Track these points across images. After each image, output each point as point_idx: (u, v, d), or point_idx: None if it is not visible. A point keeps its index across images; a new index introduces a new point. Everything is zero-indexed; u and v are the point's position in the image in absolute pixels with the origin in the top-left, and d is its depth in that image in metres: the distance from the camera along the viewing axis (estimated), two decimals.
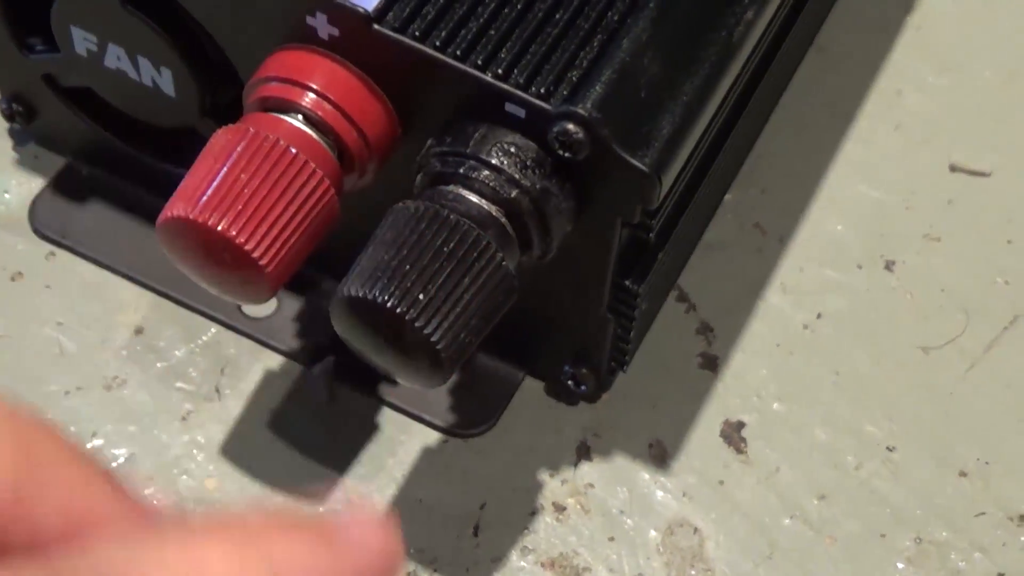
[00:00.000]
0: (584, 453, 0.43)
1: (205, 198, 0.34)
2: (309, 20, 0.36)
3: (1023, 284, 0.47)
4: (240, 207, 0.34)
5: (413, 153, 0.36)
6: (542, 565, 0.41)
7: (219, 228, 0.34)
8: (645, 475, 0.43)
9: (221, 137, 0.36)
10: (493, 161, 0.35)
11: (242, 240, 0.34)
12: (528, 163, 0.35)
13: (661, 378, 0.45)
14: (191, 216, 0.34)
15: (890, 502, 0.43)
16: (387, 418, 0.43)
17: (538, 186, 0.35)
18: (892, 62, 0.52)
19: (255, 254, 0.34)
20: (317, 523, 0.24)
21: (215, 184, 0.35)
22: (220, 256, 0.35)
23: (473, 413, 0.43)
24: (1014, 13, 0.53)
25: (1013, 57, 0.52)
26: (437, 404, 0.43)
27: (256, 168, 0.35)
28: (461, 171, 0.35)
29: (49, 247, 0.46)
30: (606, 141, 0.34)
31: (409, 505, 0.42)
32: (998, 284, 0.47)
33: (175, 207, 0.35)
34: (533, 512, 0.42)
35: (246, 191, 0.35)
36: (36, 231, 0.46)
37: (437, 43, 0.35)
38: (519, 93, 0.34)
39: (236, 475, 0.42)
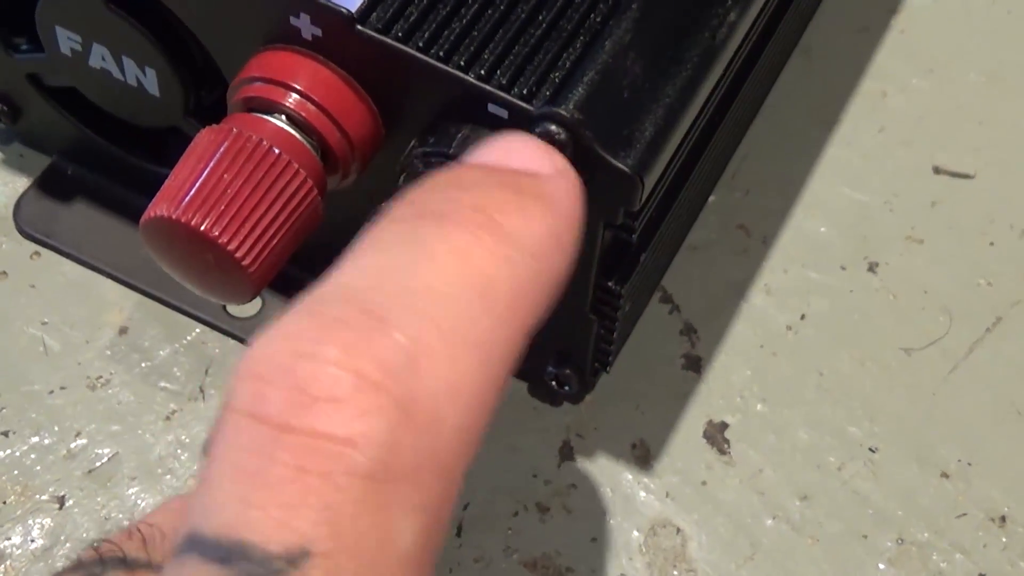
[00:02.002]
0: (567, 453, 0.43)
1: (188, 198, 0.34)
2: (292, 21, 0.36)
3: (1006, 286, 0.47)
4: (223, 207, 0.34)
5: (396, 153, 0.37)
6: (525, 565, 0.41)
7: (202, 228, 0.34)
8: (628, 476, 0.43)
9: (205, 137, 0.36)
10: None
11: (225, 240, 0.34)
12: None
13: (644, 379, 0.45)
14: (174, 216, 0.34)
15: (872, 503, 0.43)
16: None
17: None
18: (876, 64, 0.52)
19: (238, 254, 0.34)
20: (523, 184, 0.26)
21: (198, 184, 0.35)
22: (203, 256, 0.35)
23: None
24: (996, 15, 0.54)
25: (996, 60, 0.52)
26: None
27: (239, 168, 0.35)
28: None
29: (34, 246, 0.46)
30: (588, 142, 0.34)
31: None
32: (981, 286, 0.47)
33: (158, 207, 0.35)
34: (516, 512, 0.42)
35: (229, 191, 0.35)
36: (21, 230, 0.46)
37: (420, 44, 0.35)
38: (501, 94, 0.34)
39: None
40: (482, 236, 0.25)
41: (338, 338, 0.22)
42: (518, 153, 0.27)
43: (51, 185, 0.47)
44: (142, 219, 0.35)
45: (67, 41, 0.41)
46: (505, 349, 0.24)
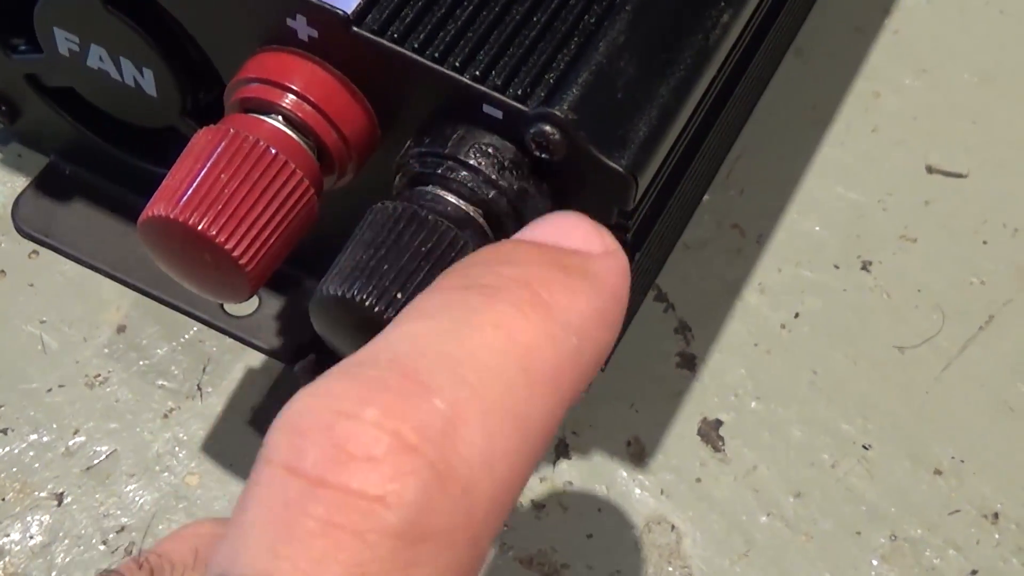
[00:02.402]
0: (563, 451, 0.44)
1: (186, 197, 0.35)
2: (289, 22, 0.36)
3: (998, 284, 0.48)
4: (220, 206, 0.35)
5: (392, 154, 0.37)
6: (521, 562, 0.42)
7: (199, 227, 0.34)
8: (623, 473, 0.43)
9: (202, 137, 0.36)
10: (471, 162, 0.35)
11: (222, 239, 0.34)
12: (506, 164, 0.35)
13: (639, 377, 0.45)
14: (172, 215, 0.34)
15: (865, 500, 0.43)
16: None
17: (515, 187, 0.35)
18: (869, 65, 0.52)
19: (235, 253, 0.35)
20: (571, 262, 0.27)
21: (196, 183, 0.35)
22: (200, 255, 0.35)
23: None
24: (989, 16, 0.54)
25: (989, 60, 0.53)
26: None
27: (236, 168, 0.35)
28: (439, 172, 0.35)
29: (32, 245, 0.46)
30: (583, 142, 0.34)
31: None
32: (974, 284, 0.48)
33: (156, 206, 0.35)
34: (512, 509, 0.42)
35: (226, 191, 0.35)
36: (19, 229, 0.47)
37: (416, 45, 0.35)
38: (496, 95, 0.35)
39: (217, 472, 0.42)
40: (527, 311, 0.25)
41: (378, 399, 0.23)
42: (570, 231, 0.28)
43: (49, 184, 0.48)
44: (140, 218, 0.35)
45: (65, 42, 0.41)
46: (543, 423, 0.24)
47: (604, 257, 0.28)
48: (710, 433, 0.44)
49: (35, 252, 0.46)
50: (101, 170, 0.47)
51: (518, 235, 0.28)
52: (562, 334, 0.25)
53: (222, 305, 0.45)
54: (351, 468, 0.22)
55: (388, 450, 0.22)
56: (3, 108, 0.47)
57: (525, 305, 0.25)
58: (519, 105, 0.35)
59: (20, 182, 0.48)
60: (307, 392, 0.23)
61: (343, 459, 0.22)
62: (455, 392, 0.23)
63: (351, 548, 0.22)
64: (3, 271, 0.46)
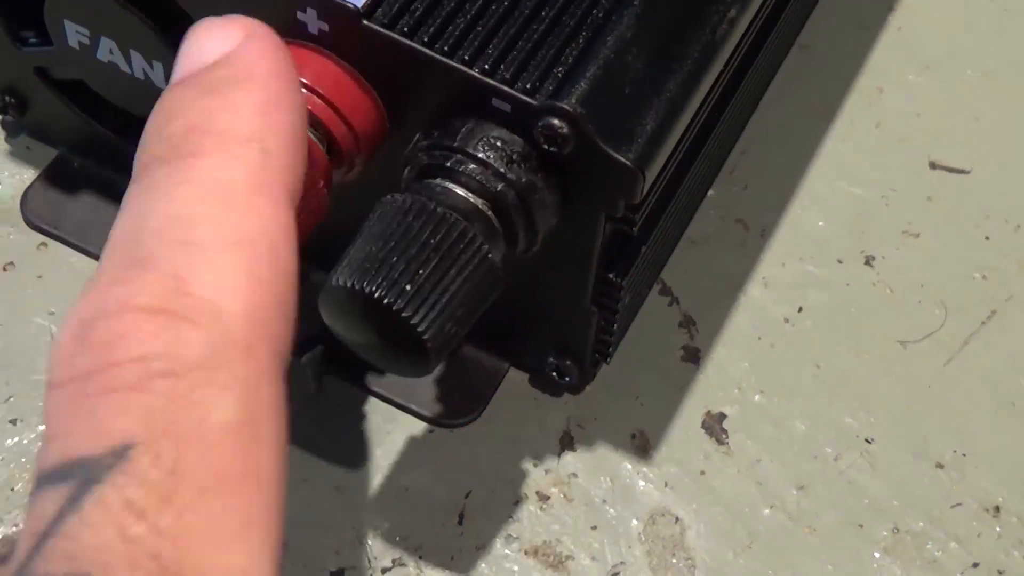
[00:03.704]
0: (567, 443, 0.44)
1: None
2: (299, 15, 0.36)
3: (1001, 279, 0.48)
4: None
5: (401, 147, 0.37)
6: (525, 553, 0.42)
7: None
8: (628, 465, 0.44)
9: None
10: (479, 155, 0.35)
11: None
12: (514, 157, 0.35)
13: (644, 370, 0.45)
14: None
15: (868, 493, 0.43)
16: (374, 408, 0.44)
17: (523, 180, 0.35)
18: (873, 61, 0.53)
19: None
20: (216, 78, 0.29)
21: None
22: None
23: (459, 404, 0.44)
24: (993, 13, 0.54)
25: (993, 57, 0.53)
26: (424, 394, 0.44)
27: None
28: (448, 165, 0.36)
29: (40, 237, 0.47)
30: (590, 136, 0.35)
31: (395, 493, 0.42)
32: (976, 279, 0.48)
33: None
34: (517, 501, 0.43)
35: None
36: (28, 221, 0.47)
37: (425, 39, 0.35)
38: (505, 88, 0.35)
39: None
40: (200, 152, 0.27)
41: (113, 294, 0.25)
42: (205, 46, 0.30)
43: (58, 177, 0.48)
44: None
45: (75, 34, 0.42)
46: (267, 231, 0.27)
47: (244, 46, 0.29)
48: (714, 426, 0.44)
49: (44, 244, 0.47)
50: (110, 162, 0.47)
51: (171, 77, 0.30)
52: (241, 148, 0.27)
53: None
54: (111, 349, 0.25)
55: (136, 323, 0.25)
56: (12, 101, 0.47)
57: (198, 148, 0.27)
58: (528, 99, 0.35)
59: (29, 174, 0.48)
60: (60, 329, 0.26)
61: (103, 349, 0.25)
62: (170, 253, 0.26)
63: (132, 398, 0.24)
64: (12, 263, 0.46)
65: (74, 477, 0.24)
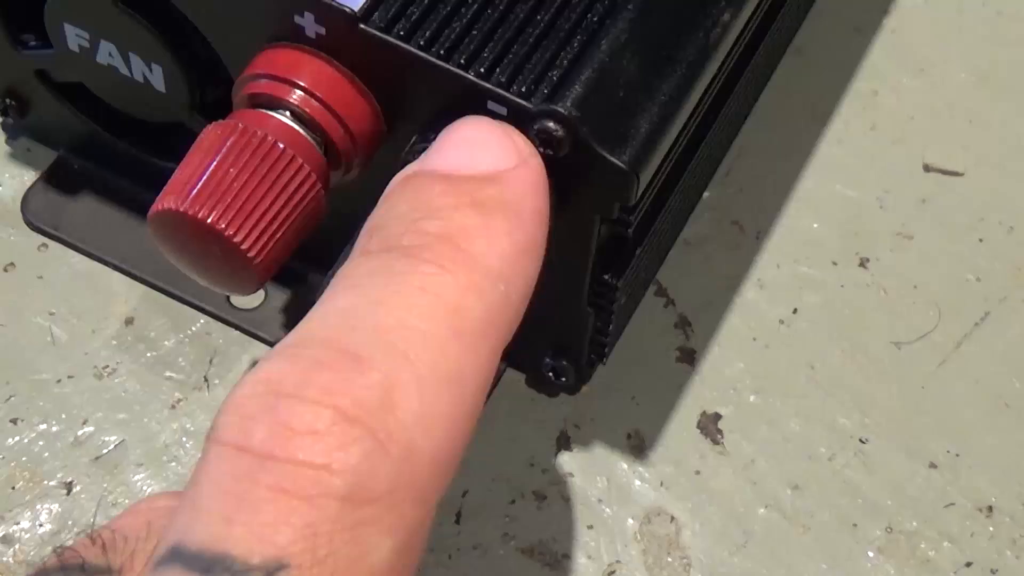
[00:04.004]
0: (564, 443, 0.44)
1: (195, 191, 0.35)
2: (297, 19, 0.37)
3: (994, 281, 0.48)
4: (229, 200, 0.35)
5: (397, 149, 0.37)
6: (522, 552, 0.42)
7: (208, 220, 0.35)
8: (623, 465, 0.44)
9: (211, 132, 0.36)
10: None
11: (231, 232, 0.35)
12: None
13: (640, 371, 0.46)
14: (181, 208, 0.35)
15: (862, 493, 0.44)
16: None
17: None
18: (868, 64, 0.53)
19: (244, 245, 0.35)
20: (486, 196, 0.28)
21: (205, 177, 0.35)
22: (210, 248, 0.36)
23: None
24: (987, 17, 0.55)
25: (986, 60, 0.53)
26: None
27: (245, 163, 0.36)
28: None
29: (41, 238, 0.47)
30: (585, 139, 0.35)
31: None
32: (970, 281, 0.48)
33: (166, 200, 0.35)
34: (514, 500, 0.43)
35: (235, 185, 0.35)
36: (28, 223, 0.47)
37: (421, 42, 0.36)
38: (501, 92, 0.35)
39: None
40: (451, 268, 0.26)
41: (317, 379, 0.24)
42: (480, 150, 0.29)
43: (58, 178, 0.48)
44: (150, 211, 0.36)
45: (75, 38, 0.42)
46: (478, 375, 0.26)
47: (518, 173, 0.28)
48: (709, 426, 0.45)
49: (44, 245, 0.47)
50: (109, 164, 0.47)
51: (429, 162, 0.29)
52: (488, 283, 0.26)
53: (228, 298, 0.46)
54: (296, 441, 0.23)
55: (330, 423, 0.23)
56: (13, 103, 0.47)
57: (447, 261, 0.26)
58: (523, 102, 0.35)
59: (29, 176, 0.48)
60: (250, 377, 0.24)
61: (288, 435, 0.23)
62: (388, 362, 0.24)
63: (301, 511, 0.23)
64: (13, 263, 0.47)
65: (214, 574, 0.23)
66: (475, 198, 0.27)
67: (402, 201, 0.28)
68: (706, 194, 0.49)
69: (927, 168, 0.51)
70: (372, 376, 0.24)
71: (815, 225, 0.49)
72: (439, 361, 0.25)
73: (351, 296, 0.26)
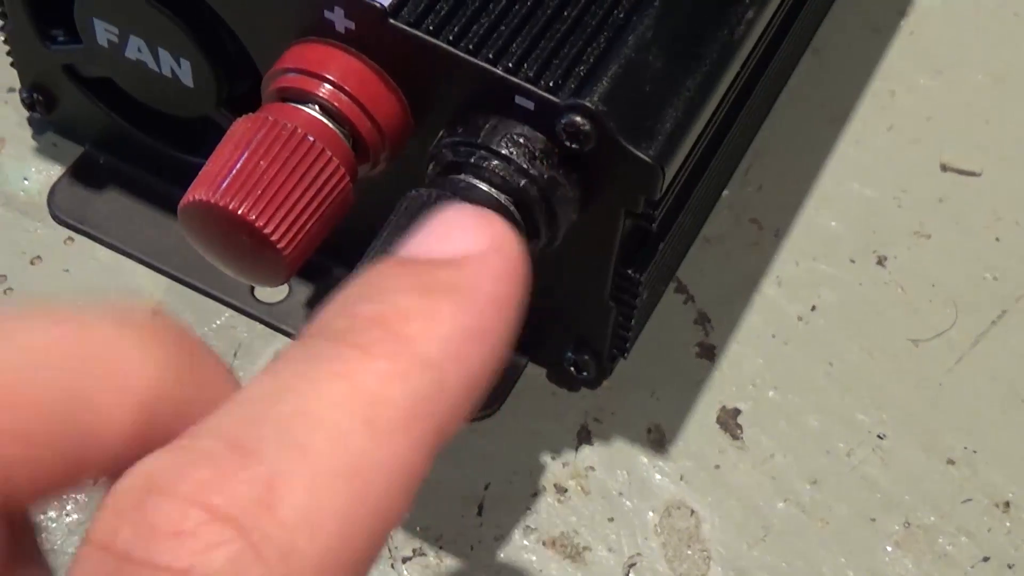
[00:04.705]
0: (585, 437, 0.45)
1: (226, 183, 0.36)
2: (327, 14, 0.37)
3: (1011, 280, 0.49)
4: (259, 192, 0.36)
5: (425, 143, 0.38)
6: (544, 544, 0.43)
7: (239, 212, 0.35)
8: (644, 459, 0.44)
9: (241, 125, 0.37)
10: (503, 151, 0.36)
11: (261, 224, 0.36)
12: (536, 154, 0.36)
13: (660, 366, 0.46)
14: (212, 200, 0.36)
15: (880, 487, 0.44)
16: None
17: (546, 176, 0.36)
18: (886, 64, 0.53)
19: (273, 237, 0.36)
20: (436, 280, 0.25)
21: (235, 170, 0.36)
22: (240, 239, 0.36)
23: None
24: (1004, 18, 0.55)
25: (1003, 60, 0.54)
26: None
27: (275, 155, 0.36)
28: (472, 160, 0.36)
29: (67, 232, 0.48)
30: (612, 133, 0.35)
31: None
32: (986, 279, 0.49)
33: (197, 191, 0.36)
34: (535, 493, 0.43)
35: (265, 177, 0.36)
36: (55, 217, 0.48)
37: (450, 37, 0.36)
38: (528, 86, 0.36)
39: None
40: (375, 352, 0.23)
41: (194, 474, 0.22)
42: (447, 234, 0.26)
43: (84, 173, 0.49)
44: (181, 203, 0.36)
45: (104, 33, 0.43)
46: (392, 469, 0.23)
47: (483, 258, 0.25)
48: (729, 421, 0.45)
49: (70, 239, 0.48)
50: (135, 159, 0.48)
51: (398, 246, 0.26)
52: (416, 371, 0.23)
53: (253, 292, 0.46)
54: (159, 543, 0.21)
55: (197, 523, 0.21)
56: (40, 98, 0.48)
57: (375, 346, 0.23)
58: (550, 96, 0.36)
59: (56, 170, 0.49)
60: (133, 469, 0.22)
61: (151, 535, 0.21)
62: (278, 455, 0.22)
63: None
64: (40, 257, 0.47)
65: None
66: (423, 281, 0.25)
67: (354, 286, 0.25)
68: (725, 192, 0.50)
69: (944, 168, 0.51)
70: (255, 470, 0.22)
71: (833, 223, 0.49)
72: (339, 454, 0.22)
73: (266, 383, 0.23)
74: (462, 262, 0.25)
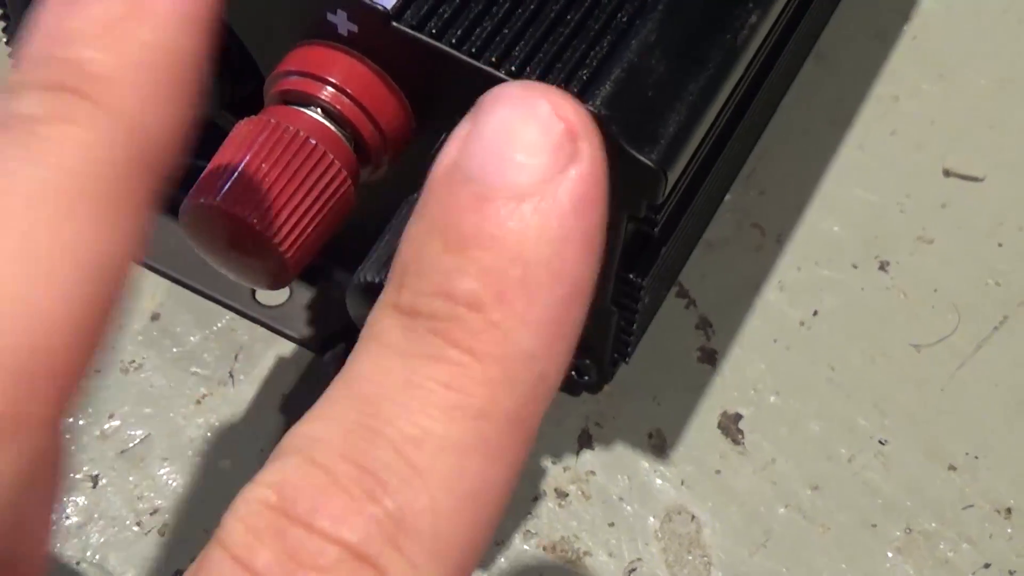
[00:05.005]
0: (586, 441, 0.45)
1: (228, 186, 0.36)
2: (329, 17, 0.37)
3: (1013, 286, 0.49)
4: (261, 195, 0.36)
5: (427, 147, 0.38)
6: (544, 548, 0.43)
7: (241, 215, 0.35)
8: (645, 464, 0.44)
9: (243, 128, 0.37)
10: None
11: (263, 227, 0.35)
12: None
13: (661, 371, 0.46)
14: (214, 203, 0.35)
15: (881, 493, 0.44)
16: None
17: None
18: (889, 69, 0.53)
19: (275, 240, 0.36)
20: (533, 254, 0.23)
21: (237, 173, 0.36)
22: (241, 242, 0.36)
23: None
24: (1007, 23, 0.55)
25: (1006, 66, 0.54)
26: None
27: (277, 158, 0.36)
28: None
29: None
30: (614, 137, 0.35)
31: None
32: (989, 285, 0.49)
33: (198, 194, 0.36)
34: (536, 497, 0.43)
35: (267, 180, 0.36)
36: None
37: (453, 41, 0.36)
38: None
39: (248, 457, 0.43)
40: (478, 352, 0.23)
41: (329, 505, 0.22)
42: (518, 150, 0.24)
43: None
44: (182, 206, 0.36)
45: None
46: (502, 483, 0.23)
47: (570, 189, 0.24)
48: (730, 426, 0.45)
49: None
50: None
51: (468, 155, 0.24)
52: (522, 371, 0.23)
53: (254, 294, 0.46)
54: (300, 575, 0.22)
55: (336, 560, 0.22)
56: None
57: (478, 345, 0.23)
58: None
59: None
60: (263, 478, 0.23)
61: (292, 567, 0.22)
62: (404, 487, 0.22)
63: None
64: None
65: None
66: (513, 242, 0.23)
67: (435, 232, 0.24)
68: (728, 196, 0.49)
69: (947, 173, 0.51)
70: (384, 505, 0.22)
71: (836, 228, 0.49)
72: (459, 480, 0.23)
73: (375, 380, 0.23)
74: (547, 198, 0.23)
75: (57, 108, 0.23)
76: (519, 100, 0.25)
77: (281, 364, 0.45)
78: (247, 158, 0.36)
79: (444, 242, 0.24)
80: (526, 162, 0.24)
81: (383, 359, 0.24)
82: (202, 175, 0.36)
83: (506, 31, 0.37)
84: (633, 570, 0.42)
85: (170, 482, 0.43)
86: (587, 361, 0.44)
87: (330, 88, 0.37)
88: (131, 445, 0.44)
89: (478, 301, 0.23)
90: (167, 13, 0.24)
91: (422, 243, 0.24)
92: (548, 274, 0.23)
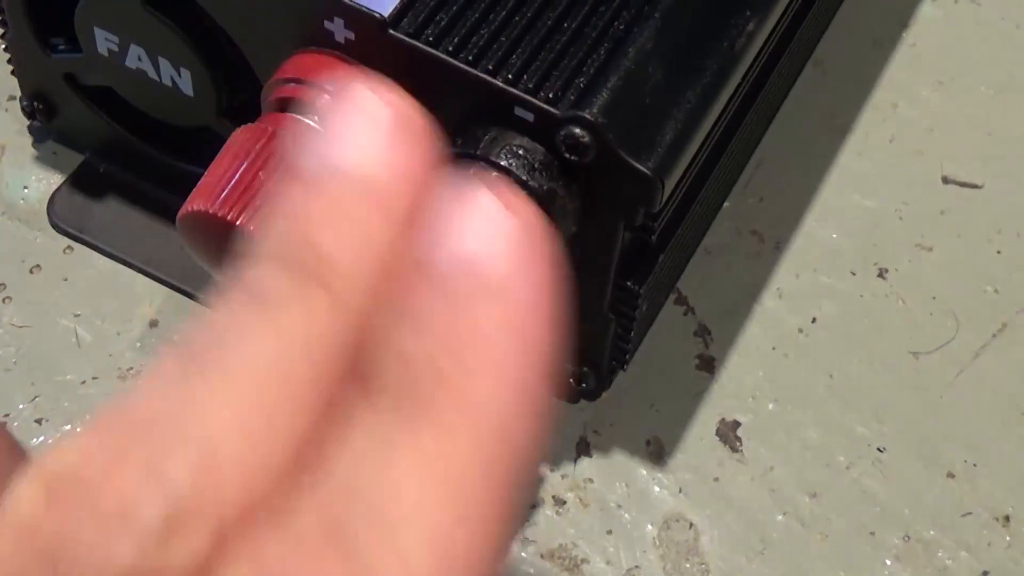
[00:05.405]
0: (584, 449, 0.45)
1: (225, 193, 0.36)
2: (327, 24, 0.37)
3: (1012, 293, 0.48)
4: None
5: None
6: (541, 556, 0.42)
7: (238, 222, 0.35)
8: (643, 471, 0.44)
9: (240, 135, 0.37)
10: (502, 163, 0.36)
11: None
12: (536, 165, 0.36)
13: (659, 378, 0.46)
14: (211, 210, 0.36)
15: (879, 501, 0.44)
16: None
17: (545, 187, 0.36)
18: (887, 77, 0.53)
19: None
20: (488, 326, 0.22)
21: (234, 180, 0.36)
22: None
23: None
24: (1005, 30, 0.55)
25: (1005, 73, 0.54)
26: None
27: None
28: (471, 172, 0.36)
29: (67, 241, 0.48)
30: (611, 145, 0.35)
31: None
32: (987, 293, 0.49)
33: (196, 201, 0.36)
34: (534, 505, 0.43)
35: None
36: (54, 225, 0.48)
37: (450, 48, 0.36)
38: (528, 98, 0.36)
39: None
40: (444, 423, 0.21)
41: (298, 569, 0.21)
42: (479, 228, 0.23)
43: (84, 181, 0.49)
44: (180, 213, 0.36)
45: (105, 42, 0.43)
46: (480, 545, 0.22)
47: (526, 265, 0.22)
48: (728, 434, 0.45)
49: (70, 247, 0.47)
50: (135, 168, 0.48)
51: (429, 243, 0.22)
52: (491, 440, 0.22)
53: None
54: None
55: None
56: (40, 106, 0.48)
57: (445, 416, 0.21)
58: (550, 108, 0.36)
59: (56, 179, 0.49)
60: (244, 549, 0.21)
61: None
62: (373, 550, 0.21)
63: None
64: (39, 265, 0.47)
65: None
66: (473, 314, 0.22)
67: (430, 288, 0.22)
68: (726, 203, 0.49)
69: (946, 180, 0.51)
70: (352, 564, 0.21)
71: (834, 235, 0.49)
72: (431, 550, 0.21)
73: (351, 456, 0.22)
74: (505, 274, 0.22)
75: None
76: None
77: None
78: (244, 166, 0.36)
79: (432, 297, 0.22)
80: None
81: (365, 425, 0.22)
82: (199, 182, 0.36)
83: (503, 39, 0.37)
84: None
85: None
86: (585, 368, 0.44)
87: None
88: None
89: (441, 376, 0.22)
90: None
91: (427, 283, 0.22)
92: (509, 345, 0.22)
